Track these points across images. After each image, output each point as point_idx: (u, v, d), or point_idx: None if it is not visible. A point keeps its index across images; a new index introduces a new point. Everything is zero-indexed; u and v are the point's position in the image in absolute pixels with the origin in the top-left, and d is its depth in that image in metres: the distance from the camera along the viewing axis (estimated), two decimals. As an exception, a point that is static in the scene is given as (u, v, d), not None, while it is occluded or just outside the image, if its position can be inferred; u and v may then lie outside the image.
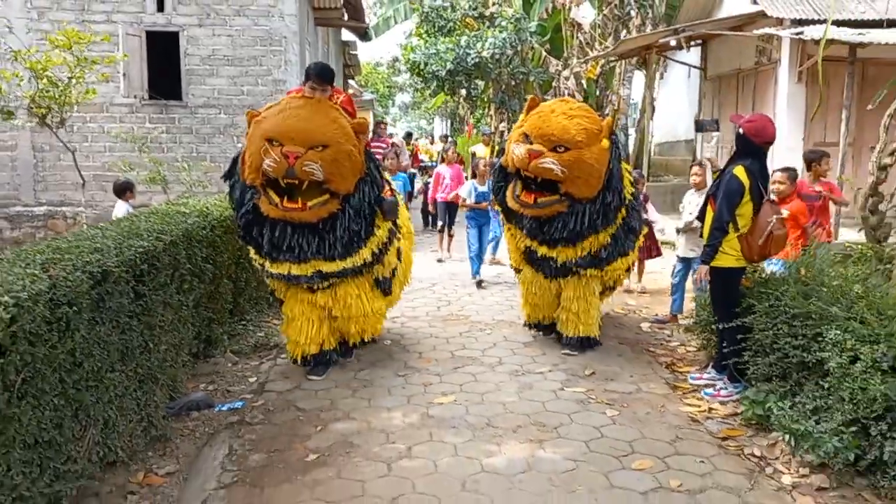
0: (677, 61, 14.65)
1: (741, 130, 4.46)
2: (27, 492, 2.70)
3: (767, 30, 10.04)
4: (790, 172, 5.45)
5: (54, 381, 2.91)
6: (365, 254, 4.71)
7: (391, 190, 5.11)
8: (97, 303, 3.28)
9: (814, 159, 5.94)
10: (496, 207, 5.91)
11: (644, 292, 7.66)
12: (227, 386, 4.87)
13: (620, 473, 3.57)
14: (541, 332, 5.91)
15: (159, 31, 10.06)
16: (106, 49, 8.84)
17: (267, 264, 4.70)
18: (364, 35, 17.45)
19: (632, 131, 17.52)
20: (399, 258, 5.33)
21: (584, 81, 15.57)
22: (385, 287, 5.19)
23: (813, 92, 10.50)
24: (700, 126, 11.10)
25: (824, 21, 9.85)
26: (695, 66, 13.85)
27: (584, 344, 5.43)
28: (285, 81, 10.29)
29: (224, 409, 4.45)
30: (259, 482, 3.50)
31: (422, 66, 15.33)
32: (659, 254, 7.54)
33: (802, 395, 3.78)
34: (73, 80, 6.93)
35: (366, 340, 5.30)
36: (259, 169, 4.30)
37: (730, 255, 4.52)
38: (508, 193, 5.16)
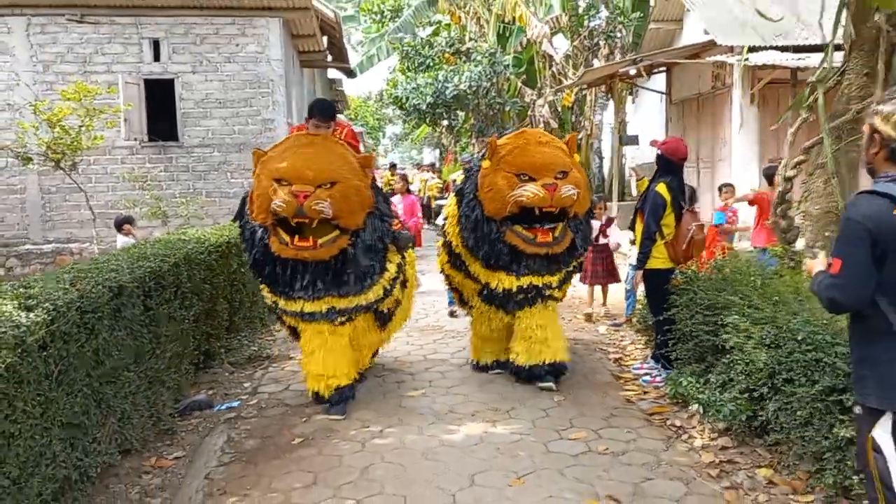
0: (645, 88, 15.51)
1: (660, 152, 5.20)
2: (63, 462, 3.35)
3: (718, 57, 10.89)
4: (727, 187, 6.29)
5: (82, 374, 3.58)
6: (378, 290, 4.71)
7: (400, 223, 5.14)
8: (115, 312, 3.96)
9: (772, 173, 6.65)
10: (471, 266, 5.22)
11: (609, 316, 7.47)
12: (224, 391, 5.51)
13: (557, 442, 4.23)
14: (496, 370, 5.56)
15: (156, 79, 10.88)
16: (107, 97, 9.60)
17: (281, 302, 4.68)
18: (349, 73, 18.31)
19: (606, 154, 18.35)
20: (404, 288, 5.30)
21: (559, 108, 16.41)
22: (384, 320, 5.19)
23: (764, 112, 11.35)
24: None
25: (770, 47, 10.73)
26: (660, 92, 14.70)
27: (558, 369, 5.21)
28: (273, 120, 11.08)
29: (223, 408, 5.10)
30: (253, 460, 4.15)
31: (404, 101, 16.18)
32: (617, 280, 7.47)
33: (713, 373, 4.45)
34: (84, 128, 7.69)
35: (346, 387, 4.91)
36: (268, 209, 4.30)
37: (658, 259, 5.23)
38: (516, 241, 4.80)
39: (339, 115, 20.27)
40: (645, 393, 5.10)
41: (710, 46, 11.44)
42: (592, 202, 5.72)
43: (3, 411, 2.84)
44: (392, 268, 4.81)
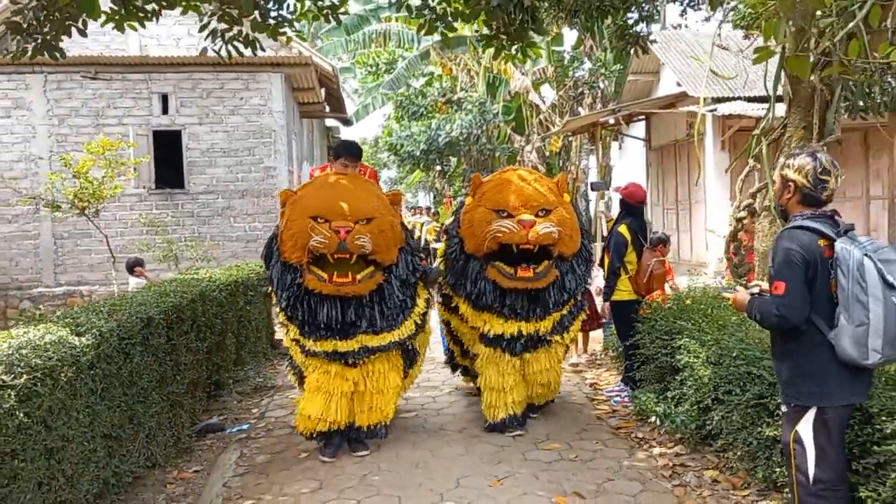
0: (628, 135, 16.33)
1: (621, 197, 5.87)
2: (105, 467, 3.90)
3: (690, 107, 11.68)
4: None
5: (120, 392, 4.15)
6: (410, 325, 4.69)
7: (425, 259, 5.37)
8: (145, 340, 4.54)
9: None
10: (460, 306, 5.17)
11: (592, 360, 7.57)
12: (234, 416, 6.05)
13: (534, 452, 4.79)
14: (518, 430, 5.11)
15: (164, 130, 11.59)
16: (120, 148, 10.29)
17: (309, 343, 4.57)
18: (346, 121, 19.13)
19: (592, 196, 19.09)
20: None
21: (546, 154, 17.21)
22: (411, 359, 5.07)
23: (734, 157, 12.11)
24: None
25: (737, 98, 11.55)
26: (641, 139, 15.51)
27: (546, 404, 5.51)
28: (275, 168, 11.78)
29: (234, 430, 5.64)
30: (264, 471, 4.69)
31: (399, 148, 16.97)
32: (600, 325, 7.34)
33: (669, 390, 5.03)
34: (106, 178, 8.36)
35: (375, 427, 4.86)
36: (304, 247, 4.30)
37: (623, 292, 5.85)
38: (496, 277, 4.75)
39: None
40: (614, 411, 5.68)
41: (682, 97, 12.26)
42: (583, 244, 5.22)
43: (62, 417, 3.41)
44: (422, 303, 4.84)
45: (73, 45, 7.41)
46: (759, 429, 3.82)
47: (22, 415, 3.01)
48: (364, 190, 4.57)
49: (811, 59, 5.74)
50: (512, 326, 4.90)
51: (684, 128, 13.23)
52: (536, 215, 4.69)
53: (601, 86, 17.11)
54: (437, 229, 18.52)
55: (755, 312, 3.06)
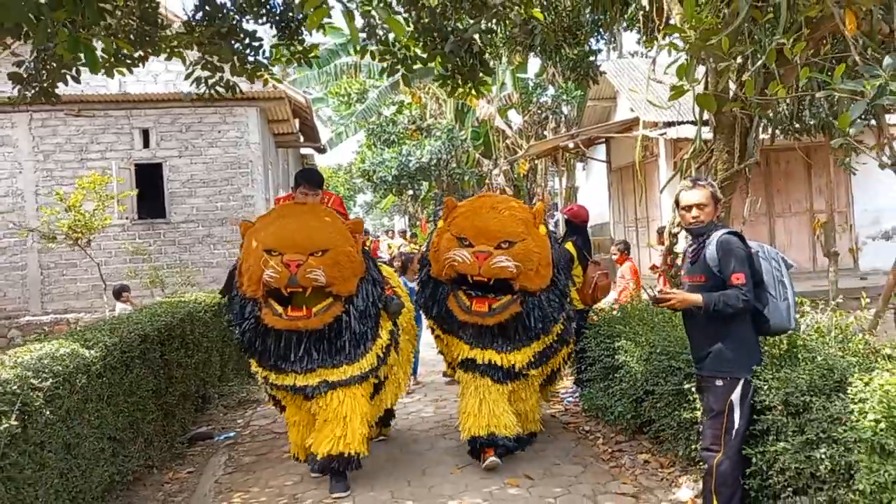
0: (590, 157, 17.16)
1: (566, 217, 6.55)
2: (111, 465, 4.44)
3: (643, 131, 12.47)
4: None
5: (122, 400, 4.70)
6: (371, 359, 4.56)
7: (391, 288, 5.00)
8: (142, 354, 5.10)
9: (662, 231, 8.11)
10: (429, 325, 5.26)
11: None
12: (221, 426, 6.59)
13: (491, 445, 5.40)
14: (495, 458, 4.82)
15: (146, 163, 12.14)
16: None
17: (271, 376, 4.54)
18: (320, 149, 19.77)
19: (558, 215, 19.89)
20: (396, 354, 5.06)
21: (514, 176, 17.98)
22: (377, 390, 4.90)
23: (668, 179, 12.92)
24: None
25: (686, 122, 12.38)
26: (602, 161, 16.33)
27: (529, 438, 5.24)
28: (253, 196, 12.36)
29: (222, 437, 6.18)
30: (251, 470, 5.25)
31: (372, 174, 17.63)
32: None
33: (611, 387, 5.67)
34: (97, 211, 8.91)
35: (337, 455, 4.52)
36: (259, 280, 4.23)
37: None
38: (453, 307, 4.74)
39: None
40: (566, 410, 6.32)
41: (636, 122, 13.06)
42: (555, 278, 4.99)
43: (77, 418, 3.97)
44: (385, 334, 4.70)
45: (61, 87, 7.96)
46: (679, 413, 4.47)
47: (48, 412, 3.57)
48: (319, 220, 4.43)
49: (731, 93, 6.53)
50: (480, 354, 4.79)
51: (640, 150, 14.04)
52: (498, 246, 4.57)
53: (564, 111, 17.95)
54: (399, 246, 19.14)
55: (719, 302, 3.55)
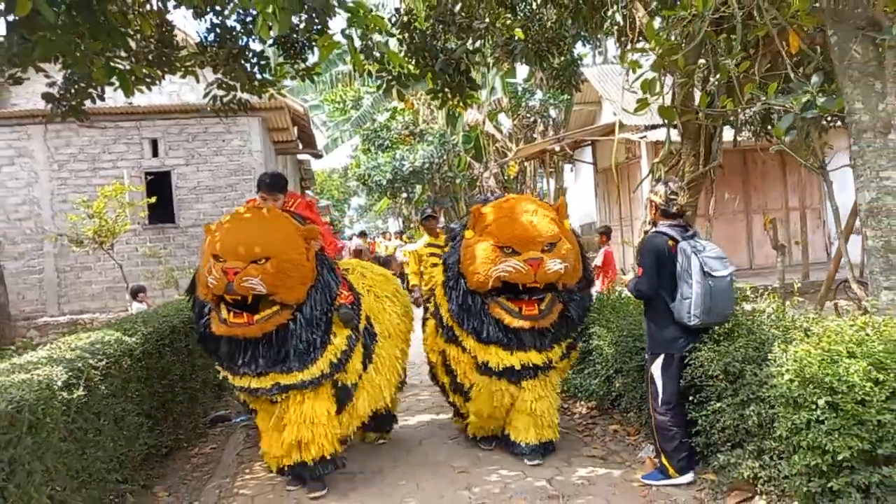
0: (577, 160, 17.86)
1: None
2: (148, 438, 5.10)
3: (625, 135, 13.18)
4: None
5: (156, 382, 5.36)
6: (322, 365, 4.45)
7: (351, 295, 4.82)
8: (171, 343, 5.76)
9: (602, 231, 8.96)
10: (464, 341, 4.89)
11: None
12: (237, 410, 7.24)
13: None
14: (491, 446, 5.29)
15: (155, 171, 12.79)
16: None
17: (229, 377, 4.55)
18: (317, 155, 20.44)
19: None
20: (366, 365, 4.90)
21: (502, 179, 18.67)
22: (343, 396, 4.72)
23: (671, 176, 13.63)
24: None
25: (664, 125, 13.05)
26: (588, 163, 17.03)
27: (547, 448, 5.05)
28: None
29: (239, 420, 6.83)
30: (268, 444, 5.91)
31: (367, 178, 18.30)
32: None
33: (586, 368, 6.34)
34: (118, 217, 9.58)
35: (317, 460, 4.56)
36: (206, 286, 4.28)
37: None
38: (500, 314, 4.64)
39: (307, 192, 22.20)
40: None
41: (621, 124, 13.76)
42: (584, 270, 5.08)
43: (124, 394, 4.63)
44: (338, 341, 4.54)
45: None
46: (642, 387, 5.15)
47: (103, 387, 4.24)
48: (266, 227, 4.34)
49: (696, 101, 7.22)
50: (519, 357, 4.75)
51: (623, 153, 14.76)
52: (542, 250, 4.54)
53: (552, 114, 18.65)
54: (395, 248, 19.79)
55: (631, 289, 4.55)
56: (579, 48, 10.31)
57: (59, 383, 3.69)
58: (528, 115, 18.75)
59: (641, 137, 12.48)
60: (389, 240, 21.72)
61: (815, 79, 4.81)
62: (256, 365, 4.35)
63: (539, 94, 18.98)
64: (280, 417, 4.58)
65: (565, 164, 19.74)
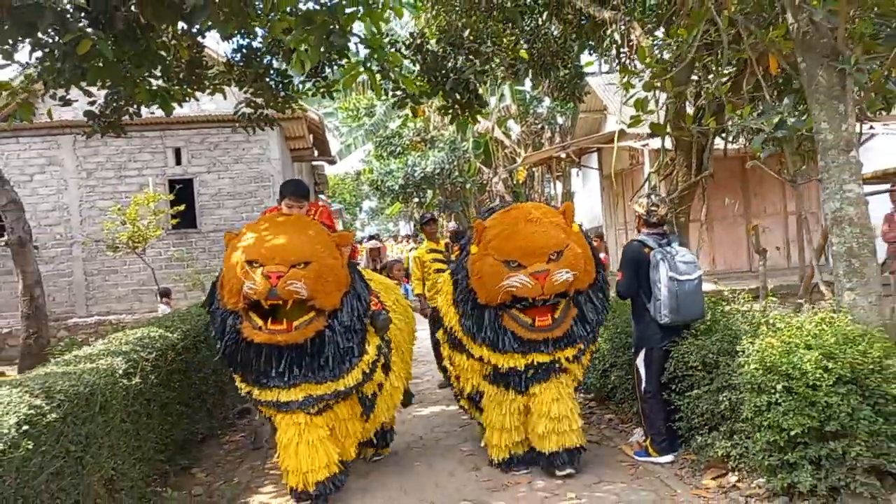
0: (584, 165, 18.38)
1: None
2: (187, 424, 5.67)
3: (628, 142, 13.70)
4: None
5: (193, 374, 5.94)
6: (356, 374, 4.41)
7: (379, 302, 4.83)
8: (206, 339, 6.34)
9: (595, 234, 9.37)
10: (477, 350, 4.79)
11: None
12: (262, 404, 7.83)
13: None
14: (524, 469, 4.96)
15: (178, 179, 13.43)
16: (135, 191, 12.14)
17: (255, 392, 4.42)
18: (331, 161, 21.06)
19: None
20: (387, 372, 4.86)
21: (511, 184, 19.22)
22: (367, 406, 4.73)
23: (666, 185, 14.13)
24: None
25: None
26: (594, 168, 17.55)
27: (574, 456, 4.81)
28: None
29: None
30: (293, 432, 6.48)
31: (379, 183, 18.89)
32: None
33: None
34: (150, 224, 10.22)
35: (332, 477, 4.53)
36: (240, 292, 4.10)
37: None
38: (513, 327, 4.58)
39: (320, 196, 22.81)
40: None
41: (621, 134, 14.28)
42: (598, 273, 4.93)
43: (166, 386, 5.20)
44: (372, 350, 4.55)
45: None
46: (632, 378, 5.68)
47: (153, 377, 4.81)
48: (302, 232, 4.30)
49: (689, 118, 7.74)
50: (532, 357, 4.69)
51: (627, 159, 15.27)
52: (548, 260, 4.45)
53: (559, 121, 19.17)
54: (409, 251, 20.39)
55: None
56: (586, 56, 10.79)
57: (121, 371, 4.28)
58: (536, 122, 19.28)
59: (644, 145, 12.99)
60: (400, 242, 22.27)
61: (786, 101, 5.34)
62: (290, 375, 4.24)
63: (546, 102, 19.51)
64: (328, 433, 4.49)
65: (572, 169, 20.26)
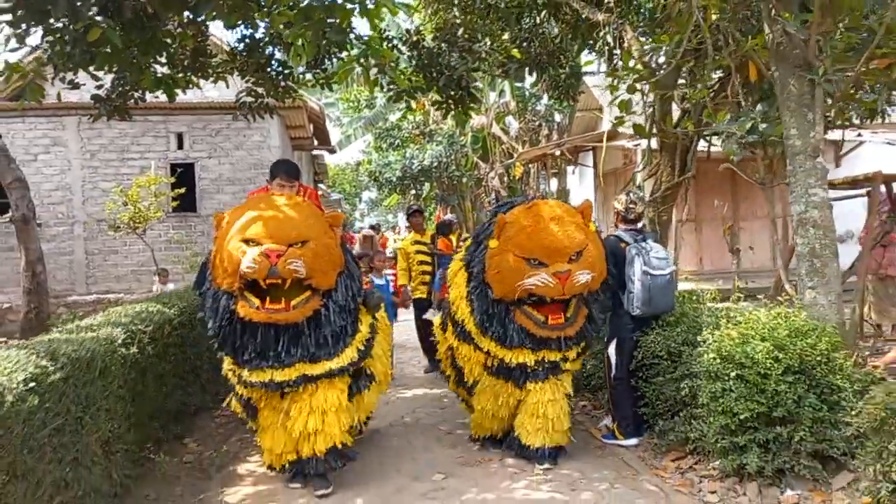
0: (579, 163, 18.61)
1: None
2: (181, 395, 5.96)
3: (620, 142, 13.96)
4: None
5: (188, 349, 6.21)
6: (351, 352, 4.44)
7: (369, 283, 4.88)
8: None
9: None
10: (485, 344, 4.79)
11: None
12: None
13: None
14: (499, 448, 5.22)
15: (180, 163, 13.70)
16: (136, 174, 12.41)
17: (245, 373, 4.35)
18: (331, 150, 21.31)
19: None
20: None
21: (507, 179, 19.49)
22: (366, 383, 4.84)
23: (651, 184, 14.41)
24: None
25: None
26: (588, 166, 17.79)
27: (557, 455, 4.95)
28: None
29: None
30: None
31: (378, 175, 19.16)
32: None
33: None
34: (151, 206, 10.50)
35: (327, 454, 4.49)
36: (236, 272, 4.05)
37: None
38: (526, 323, 4.59)
39: (319, 185, 23.07)
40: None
41: (615, 134, 14.55)
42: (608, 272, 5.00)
43: (162, 358, 5.49)
44: (364, 329, 4.60)
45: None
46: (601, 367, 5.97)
47: (150, 349, 5.10)
48: (298, 211, 4.30)
49: (674, 120, 8.01)
50: (540, 354, 4.72)
51: (621, 158, 15.54)
52: (569, 260, 4.50)
53: (557, 118, 19.43)
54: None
55: None
56: (586, 55, 11.02)
57: (119, 341, 4.56)
58: (534, 119, 19.52)
59: (635, 145, 13.25)
60: (399, 233, 22.54)
61: (759, 107, 5.61)
62: (287, 355, 4.22)
63: (545, 99, 19.75)
64: (287, 411, 4.43)
65: (568, 167, 20.51)
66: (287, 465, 4.60)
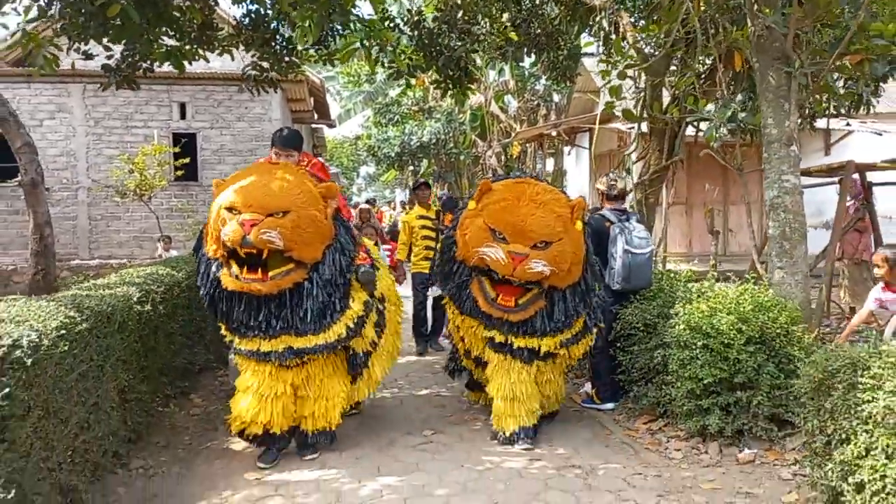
0: (575, 144, 18.91)
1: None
2: (187, 354, 6.32)
3: (615, 125, 14.26)
4: None
5: (194, 311, 6.57)
6: (339, 329, 4.34)
7: (369, 257, 4.78)
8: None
9: None
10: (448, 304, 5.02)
11: None
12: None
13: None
14: (527, 445, 4.76)
15: (182, 133, 13.97)
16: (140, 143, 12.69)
17: (236, 340, 4.42)
18: (331, 124, 21.54)
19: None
20: (380, 331, 4.86)
21: (504, 158, 19.78)
22: (357, 364, 4.70)
23: (640, 166, 14.74)
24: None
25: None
26: (585, 147, 18.09)
27: (552, 416, 5.23)
28: (273, 166, 14.23)
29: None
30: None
31: (376, 150, 19.43)
32: None
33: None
34: (156, 174, 10.81)
35: (319, 433, 4.64)
36: (219, 240, 4.09)
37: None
38: (476, 294, 4.60)
39: (318, 158, 23.34)
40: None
41: (611, 115, 14.83)
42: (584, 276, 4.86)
43: (172, 318, 5.84)
44: (357, 305, 4.46)
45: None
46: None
47: (161, 308, 5.45)
48: (283, 181, 4.19)
49: (664, 105, 8.33)
50: (502, 337, 4.70)
51: (615, 140, 15.85)
52: (534, 246, 4.40)
53: (555, 99, 19.68)
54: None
55: None
56: (585, 38, 11.26)
57: (135, 299, 4.91)
58: (533, 99, 19.76)
59: (630, 128, 13.55)
60: (395, 209, 22.82)
61: (739, 97, 5.94)
62: (269, 326, 4.20)
63: (544, 80, 19.98)
64: (292, 391, 4.49)
65: (564, 147, 20.81)
66: (250, 436, 4.54)
